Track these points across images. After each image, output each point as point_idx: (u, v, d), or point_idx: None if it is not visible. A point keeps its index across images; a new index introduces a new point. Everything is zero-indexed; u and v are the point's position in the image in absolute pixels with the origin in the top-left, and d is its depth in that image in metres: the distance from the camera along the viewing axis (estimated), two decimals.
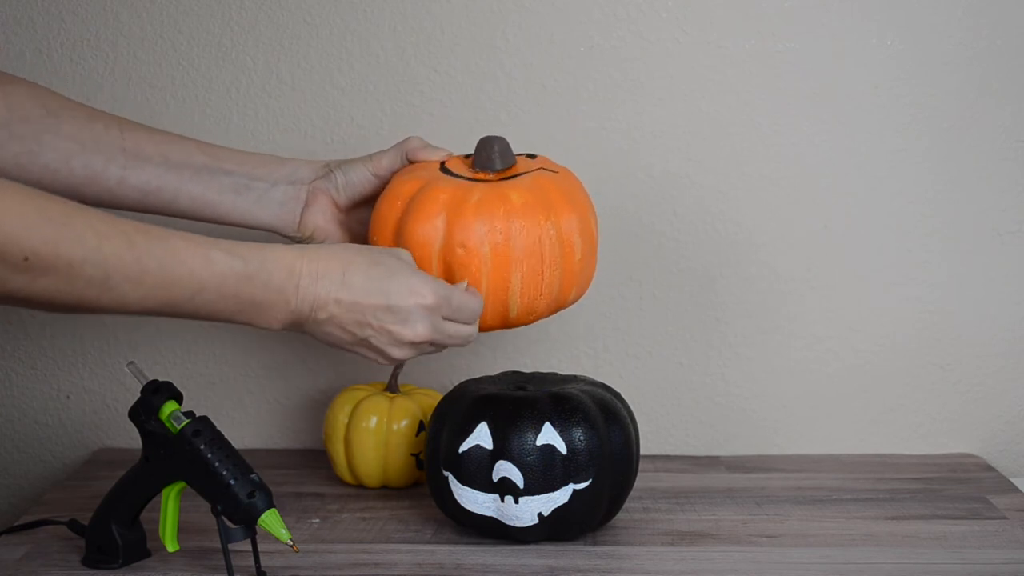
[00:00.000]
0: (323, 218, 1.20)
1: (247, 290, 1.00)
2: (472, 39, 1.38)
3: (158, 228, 0.97)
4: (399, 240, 1.13)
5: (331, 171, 1.20)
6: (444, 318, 1.08)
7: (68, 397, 1.47)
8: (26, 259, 0.89)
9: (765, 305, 1.41)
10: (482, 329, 1.14)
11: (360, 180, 1.19)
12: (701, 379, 1.43)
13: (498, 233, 1.11)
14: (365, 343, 1.07)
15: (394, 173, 1.19)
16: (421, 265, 1.11)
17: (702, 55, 1.37)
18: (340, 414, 1.31)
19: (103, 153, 1.15)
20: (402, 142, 1.21)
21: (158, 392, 1.09)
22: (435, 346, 1.09)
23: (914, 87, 1.37)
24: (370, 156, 1.20)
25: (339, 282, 1.03)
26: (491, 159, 1.15)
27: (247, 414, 1.46)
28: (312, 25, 1.39)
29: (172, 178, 1.17)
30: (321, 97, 1.40)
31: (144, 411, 1.09)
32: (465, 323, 1.10)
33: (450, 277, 1.12)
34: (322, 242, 1.20)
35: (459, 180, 1.14)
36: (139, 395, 1.10)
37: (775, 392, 1.43)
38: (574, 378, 1.22)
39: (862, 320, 1.41)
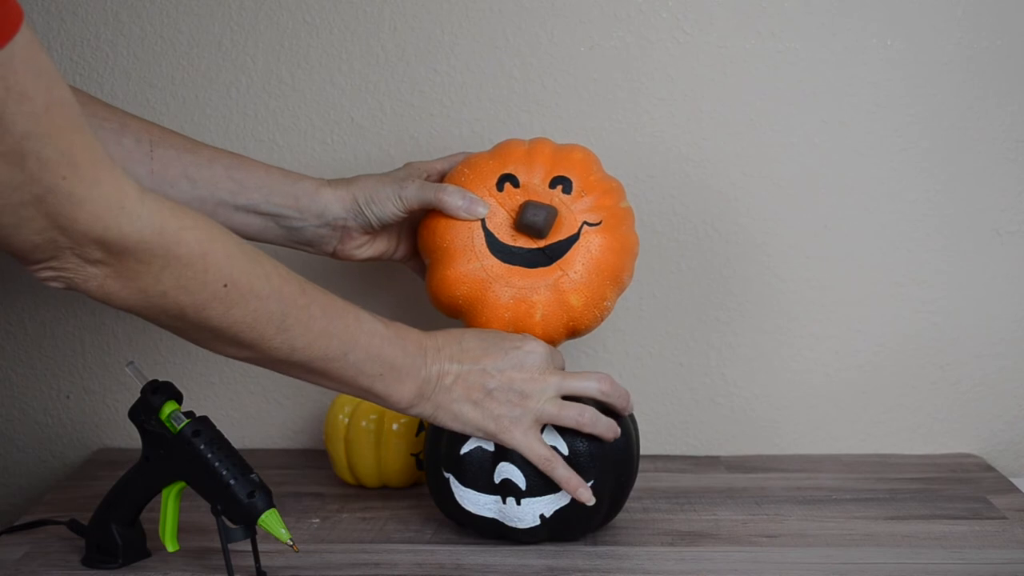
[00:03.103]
0: (354, 245, 1.22)
1: (389, 352, 1.06)
2: (472, 39, 1.38)
3: (320, 288, 1.04)
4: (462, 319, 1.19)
5: (361, 209, 1.19)
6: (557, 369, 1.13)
7: (68, 397, 1.47)
8: (225, 286, 0.95)
9: (765, 305, 1.41)
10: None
11: (391, 214, 1.19)
12: (701, 379, 1.43)
13: (564, 337, 1.17)
14: (489, 397, 1.10)
15: (430, 220, 1.18)
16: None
17: (702, 55, 1.37)
18: (340, 414, 1.31)
19: (130, 174, 1.13)
20: (415, 166, 1.21)
21: (158, 392, 1.09)
22: (567, 401, 1.12)
23: (914, 87, 1.37)
24: (397, 188, 1.18)
25: (458, 348, 1.10)
26: (538, 229, 1.14)
27: (247, 414, 1.46)
28: (312, 25, 1.39)
29: (197, 205, 1.17)
30: (321, 97, 1.40)
31: (144, 411, 1.09)
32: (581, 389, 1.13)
33: None
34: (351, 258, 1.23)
35: (513, 271, 1.15)
36: (139, 395, 1.10)
37: (775, 392, 1.43)
38: None
39: (862, 320, 1.41)
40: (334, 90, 1.40)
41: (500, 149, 1.19)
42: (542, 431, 1.12)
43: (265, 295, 0.97)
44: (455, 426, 1.11)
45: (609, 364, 1.42)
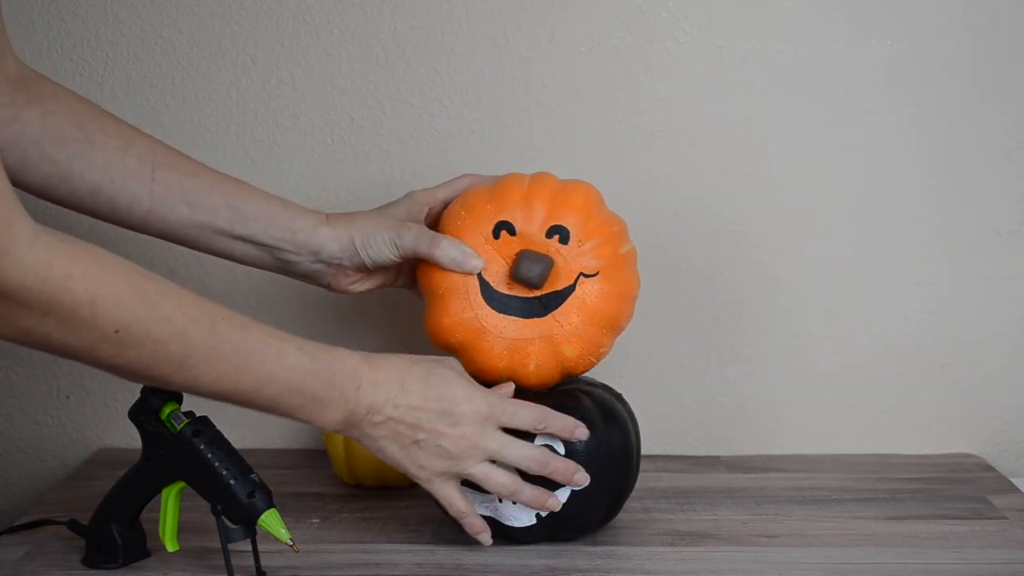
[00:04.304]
0: (348, 281, 1.21)
1: (312, 386, 1.03)
2: (472, 39, 1.38)
3: (241, 317, 1.00)
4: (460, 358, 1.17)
5: (356, 250, 1.18)
6: (499, 427, 1.09)
7: (68, 397, 1.47)
8: (117, 332, 0.92)
9: (765, 305, 1.41)
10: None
11: (386, 259, 1.18)
12: (701, 379, 1.43)
13: (558, 381, 1.18)
14: (416, 446, 1.08)
15: (425, 270, 1.17)
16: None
17: (702, 55, 1.37)
18: None
19: (130, 193, 1.14)
20: (416, 197, 1.21)
21: (158, 392, 1.09)
22: (488, 460, 1.09)
23: (914, 87, 1.37)
24: (394, 234, 1.17)
25: (398, 389, 1.07)
26: (532, 281, 1.13)
27: (247, 414, 1.45)
28: (312, 25, 1.39)
29: (195, 231, 1.17)
30: (321, 97, 1.40)
31: (144, 411, 1.09)
32: (523, 427, 1.10)
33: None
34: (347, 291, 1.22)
35: (507, 320, 1.14)
36: (139, 395, 1.10)
37: (775, 392, 1.43)
38: (574, 378, 1.22)
39: (862, 320, 1.41)
40: (334, 90, 1.40)
41: (499, 189, 1.17)
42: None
43: (164, 338, 0.94)
44: (379, 456, 1.09)
45: (609, 364, 1.41)
